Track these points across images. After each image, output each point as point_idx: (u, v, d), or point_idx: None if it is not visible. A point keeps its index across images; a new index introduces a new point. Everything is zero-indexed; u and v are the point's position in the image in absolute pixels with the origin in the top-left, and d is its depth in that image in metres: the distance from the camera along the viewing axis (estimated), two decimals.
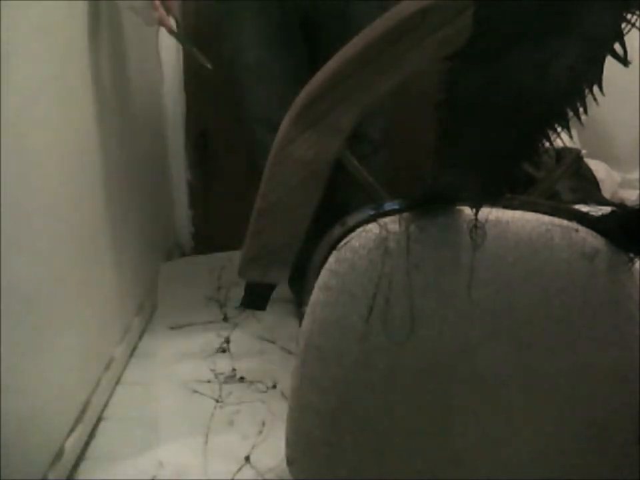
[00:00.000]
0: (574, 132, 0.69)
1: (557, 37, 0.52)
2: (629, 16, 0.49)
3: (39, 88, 1.02)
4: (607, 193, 1.64)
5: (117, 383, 1.40)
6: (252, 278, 0.97)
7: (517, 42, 0.52)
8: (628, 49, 0.53)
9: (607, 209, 0.79)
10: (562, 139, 0.66)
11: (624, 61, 0.52)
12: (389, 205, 0.79)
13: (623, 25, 0.50)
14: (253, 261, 0.89)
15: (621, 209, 0.78)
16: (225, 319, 1.69)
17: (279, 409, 1.30)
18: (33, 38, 1.00)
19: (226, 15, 1.46)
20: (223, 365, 1.49)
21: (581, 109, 0.56)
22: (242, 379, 1.44)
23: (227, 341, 1.59)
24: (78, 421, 1.20)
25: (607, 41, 0.51)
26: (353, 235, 0.79)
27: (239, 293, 1.49)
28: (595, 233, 0.76)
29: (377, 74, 0.63)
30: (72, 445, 1.15)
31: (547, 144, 0.63)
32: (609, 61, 0.57)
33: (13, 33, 0.90)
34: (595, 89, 0.57)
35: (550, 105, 0.57)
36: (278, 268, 0.91)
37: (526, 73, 0.54)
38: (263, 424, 1.29)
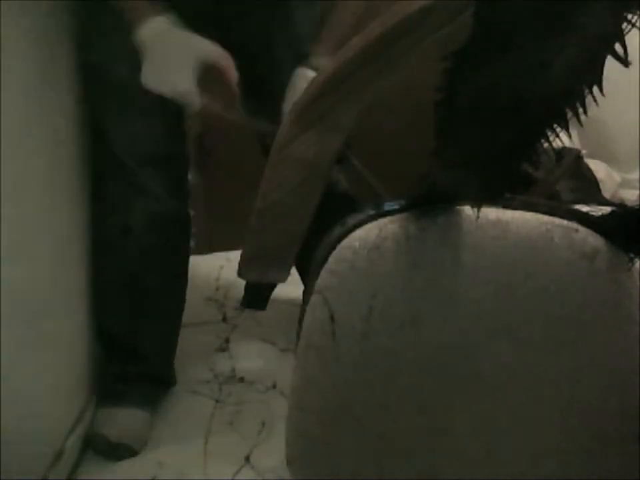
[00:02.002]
0: (574, 132, 0.69)
1: (556, 37, 0.52)
2: (629, 16, 0.49)
3: (40, 90, 1.03)
4: (607, 193, 1.64)
5: None
6: (252, 278, 0.97)
7: (517, 41, 0.52)
8: (628, 48, 0.53)
9: (607, 209, 0.79)
10: (562, 139, 0.66)
11: (624, 61, 0.52)
12: (388, 205, 0.79)
13: (623, 25, 0.50)
14: (253, 260, 0.89)
15: (621, 209, 0.78)
16: (224, 319, 1.69)
17: (279, 409, 1.30)
18: (31, 40, 1.00)
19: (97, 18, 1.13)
20: (223, 365, 1.49)
21: (581, 110, 0.56)
22: (242, 379, 1.44)
23: (227, 341, 1.59)
24: (78, 420, 1.20)
25: (607, 40, 0.51)
26: (352, 235, 0.79)
27: (238, 293, 1.49)
28: (594, 233, 0.76)
29: (377, 73, 0.63)
30: (72, 444, 1.15)
31: (547, 144, 0.63)
32: (609, 62, 0.57)
33: (10, 34, 0.90)
34: (595, 89, 0.57)
35: (549, 105, 0.57)
36: (277, 268, 0.91)
37: (526, 72, 0.54)
38: (263, 424, 1.29)
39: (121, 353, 1.28)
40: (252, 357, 1.53)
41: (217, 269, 1.89)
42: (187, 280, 1.35)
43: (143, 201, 1.19)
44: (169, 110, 1.14)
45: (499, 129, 0.60)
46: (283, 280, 0.95)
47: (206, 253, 2.01)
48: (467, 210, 0.76)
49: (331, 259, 0.80)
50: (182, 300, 1.35)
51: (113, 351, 1.29)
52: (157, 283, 1.27)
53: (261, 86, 1.19)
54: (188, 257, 1.35)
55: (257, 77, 1.20)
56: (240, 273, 0.94)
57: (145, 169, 1.18)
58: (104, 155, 1.20)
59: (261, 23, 1.19)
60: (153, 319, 1.28)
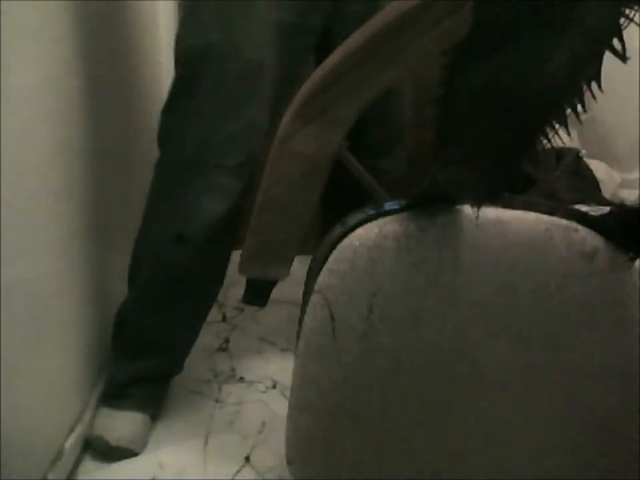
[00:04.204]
0: (574, 132, 0.69)
1: (555, 32, 0.52)
2: (627, 11, 0.49)
3: (39, 89, 1.02)
4: (607, 193, 1.64)
5: None
6: (253, 274, 0.97)
7: (516, 36, 0.52)
8: (627, 46, 0.53)
9: (606, 209, 0.79)
10: (562, 139, 0.66)
11: (622, 56, 0.52)
12: (388, 205, 0.80)
13: (622, 20, 0.50)
14: (254, 256, 0.88)
15: (621, 209, 0.78)
16: (224, 319, 1.69)
17: (279, 409, 1.30)
18: (30, 39, 1.00)
19: None
20: (223, 365, 1.49)
21: (580, 107, 0.57)
22: (242, 379, 1.44)
23: (227, 341, 1.59)
24: (78, 421, 1.20)
25: (605, 35, 0.51)
26: (353, 234, 0.79)
27: (238, 293, 1.49)
28: (594, 233, 0.77)
29: (378, 68, 0.64)
30: (72, 444, 1.15)
31: (547, 143, 0.63)
32: (610, 61, 0.57)
33: (10, 33, 0.90)
34: (595, 87, 0.57)
35: (548, 102, 0.57)
36: (278, 264, 0.91)
37: (525, 68, 0.54)
38: (263, 424, 1.29)
39: (140, 349, 1.27)
40: (252, 357, 1.53)
41: None
42: (222, 281, 1.32)
43: (211, 200, 1.16)
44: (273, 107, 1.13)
45: (499, 126, 0.60)
46: (284, 276, 0.95)
47: None
48: (467, 209, 0.76)
49: (331, 258, 0.80)
50: (212, 299, 1.33)
51: (132, 348, 1.28)
52: (198, 281, 1.25)
53: None
54: (229, 259, 1.31)
55: None
56: (241, 269, 0.93)
57: (228, 164, 1.15)
58: (180, 152, 1.16)
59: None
60: (184, 316, 1.27)
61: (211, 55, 1.11)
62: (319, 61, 1.21)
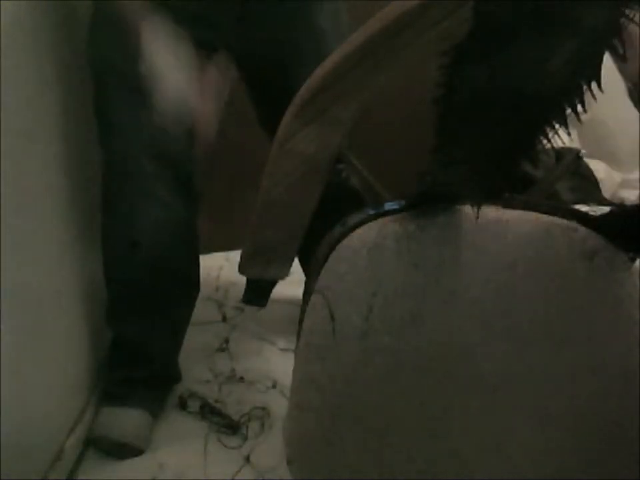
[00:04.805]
0: (574, 132, 0.69)
1: (555, 32, 0.52)
2: (627, 11, 0.49)
3: (39, 92, 1.02)
4: (607, 193, 1.64)
5: None
6: (253, 274, 0.97)
7: (516, 36, 0.52)
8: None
9: (606, 209, 0.79)
10: (561, 139, 0.66)
11: (622, 56, 0.52)
12: (388, 205, 0.80)
13: (621, 20, 0.50)
14: (254, 256, 0.89)
15: (621, 209, 0.78)
16: (224, 319, 1.69)
17: (279, 409, 1.30)
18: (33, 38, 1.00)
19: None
20: (223, 365, 1.49)
21: (580, 107, 0.57)
22: (242, 379, 1.44)
23: (226, 341, 1.59)
24: (78, 421, 1.20)
25: (605, 35, 0.51)
26: (353, 234, 0.79)
27: (237, 293, 1.49)
28: (594, 233, 0.77)
29: (378, 68, 0.64)
30: (72, 445, 1.15)
31: (547, 143, 0.63)
32: (610, 61, 0.57)
33: (14, 33, 0.90)
34: (595, 87, 0.57)
35: (548, 101, 0.57)
36: (278, 264, 0.91)
37: (525, 67, 0.54)
38: (263, 424, 1.29)
39: (130, 358, 1.28)
40: (252, 356, 1.53)
41: (216, 269, 1.89)
42: (197, 282, 1.35)
43: (150, 209, 1.18)
44: (180, 110, 1.14)
45: (499, 126, 0.60)
46: (284, 276, 0.95)
47: (206, 253, 2.01)
48: (467, 209, 0.76)
49: (331, 259, 0.80)
50: (192, 304, 1.35)
51: (122, 356, 1.29)
52: (167, 289, 1.27)
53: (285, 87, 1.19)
54: (197, 261, 1.34)
55: (279, 77, 1.19)
56: (241, 269, 0.93)
57: (155, 170, 1.17)
58: (113, 159, 1.19)
59: (283, 20, 1.20)
60: (163, 324, 1.29)
61: (127, 83, 1.11)
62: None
